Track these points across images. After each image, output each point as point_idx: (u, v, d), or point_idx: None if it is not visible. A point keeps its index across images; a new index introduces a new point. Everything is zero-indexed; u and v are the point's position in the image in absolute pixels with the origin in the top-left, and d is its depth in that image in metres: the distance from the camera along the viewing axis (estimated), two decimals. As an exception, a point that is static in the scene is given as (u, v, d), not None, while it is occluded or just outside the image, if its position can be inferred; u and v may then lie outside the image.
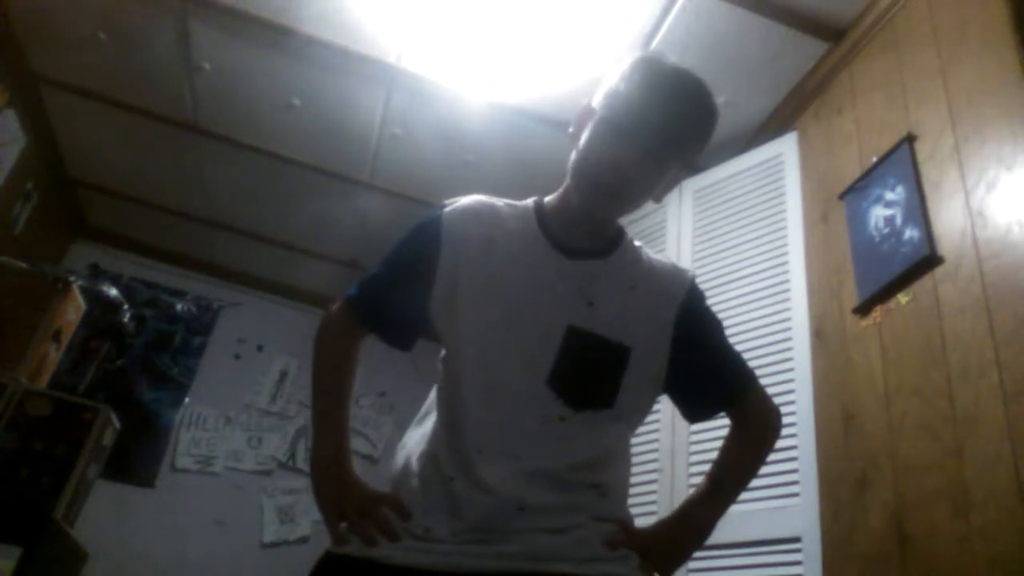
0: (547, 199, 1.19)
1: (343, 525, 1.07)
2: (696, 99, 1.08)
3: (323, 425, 1.17)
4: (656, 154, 1.05)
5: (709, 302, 1.23)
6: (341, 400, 1.19)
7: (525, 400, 1.05)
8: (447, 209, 1.16)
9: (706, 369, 1.17)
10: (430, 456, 1.07)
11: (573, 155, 1.12)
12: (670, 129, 1.06)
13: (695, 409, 1.22)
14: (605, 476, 1.07)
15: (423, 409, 1.18)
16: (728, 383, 1.19)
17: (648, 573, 1.06)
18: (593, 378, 1.08)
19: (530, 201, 1.19)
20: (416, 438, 1.13)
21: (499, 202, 1.19)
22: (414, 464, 1.08)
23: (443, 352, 1.15)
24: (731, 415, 1.21)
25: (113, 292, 3.03)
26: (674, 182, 1.15)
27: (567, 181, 1.14)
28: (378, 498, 1.07)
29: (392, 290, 1.18)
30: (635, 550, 1.04)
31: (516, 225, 1.14)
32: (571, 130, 1.14)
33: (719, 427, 2.30)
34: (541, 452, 1.04)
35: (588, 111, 1.13)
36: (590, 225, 1.14)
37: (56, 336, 2.57)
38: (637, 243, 1.20)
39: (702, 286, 2.62)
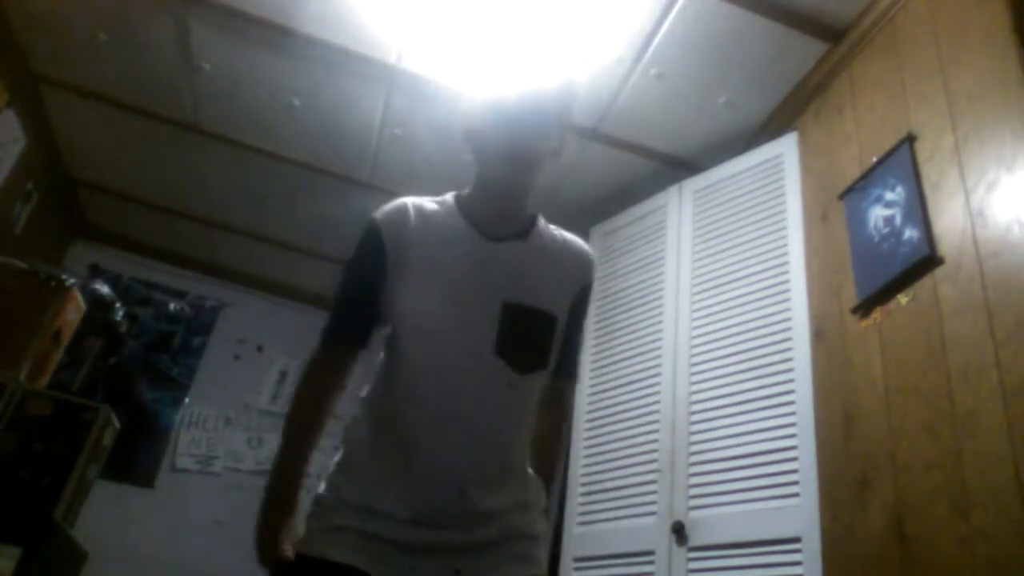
0: (463, 193, 1.34)
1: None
2: (536, 71, 1.35)
3: (281, 459, 1.26)
4: (538, 120, 1.27)
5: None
6: (310, 446, 1.29)
7: (477, 371, 1.20)
8: (379, 216, 1.29)
9: (568, 340, 1.34)
10: (380, 435, 1.22)
11: (476, 150, 1.30)
12: (529, 90, 1.30)
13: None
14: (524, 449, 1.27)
15: (368, 390, 1.29)
16: (569, 362, 1.38)
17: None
18: (532, 344, 1.25)
19: (449, 195, 1.34)
20: (364, 418, 1.27)
21: (422, 200, 1.33)
22: (364, 446, 1.24)
23: (388, 337, 1.27)
24: (550, 393, 1.35)
25: (105, 290, 3.03)
26: (563, 139, 1.34)
27: (478, 173, 1.31)
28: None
29: (359, 306, 1.28)
30: None
31: (443, 218, 1.29)
32: (463, 135, 1.33)
33: (719, 428, 2.30)
34: (489, 421, 1.20)
35: (468, 118, 1.34)
36: (507, 208, 1.31)
37: (56, 336, 2.57)
38: (549, 225, 1.36)
39: (702, 286, 2.62)
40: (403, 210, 1.29)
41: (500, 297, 1.22)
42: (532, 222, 1.33)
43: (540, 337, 1.25)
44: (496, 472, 1.20)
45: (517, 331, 1.22)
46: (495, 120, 1.28)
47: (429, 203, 1.32)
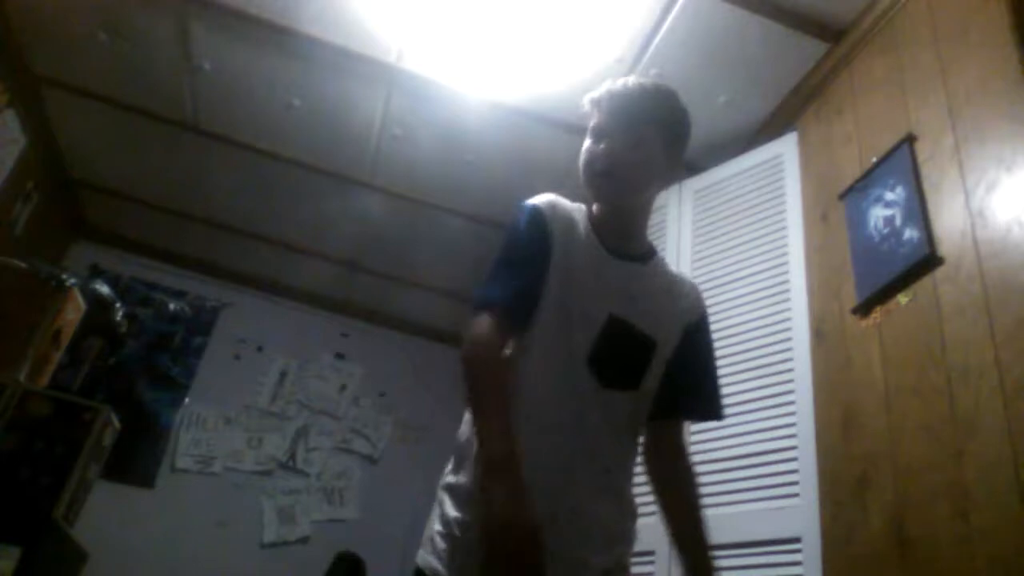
0: (593, 208, 1.36)
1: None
2: (640, 84, 1.33)
3: (493, 423, 1.11)
4: (621, 128, 1.28)
5: (709, 304, 1.40)
6: (506, 402, 1.14)
7: (566, 373, 1.22)
8: (539, 203, 1.32)
9: (695, 379, 1.34)
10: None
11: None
12: (622, 105, 1.29)
13: (668, 404, 1.33)
14: (618, 455, 1.28)
15: None
16: (708, 403, 1.36)
17: None
18: (624, 361, 1.26)
19: (582, 205, 1.36)
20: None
21: (564, 200, 1.36)
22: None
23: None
24: (671, 432, 1.36)
25: (105, 290, 3.03)
26: (672, 172, 1.35)
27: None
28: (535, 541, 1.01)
29: (532, 280, 1.26)
30: None
31: (580, 225, 1.32)
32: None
33: (719, 428, 2.30)
34: (573, 424, 1.20)
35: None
36: (624, 229, 1.33)
37: (56, 336, 2.57)
38: (665, 261, 1.41)
39: (702, 286, 2.62)
40: (556, 205, 1.32)
41: (609, 309, 1.25)
42: (652, 252, 1.37)
43: (635, 357, 1.27)
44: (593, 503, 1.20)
45: (614, 345, 1.24)
46: (586, 152, 1.32)
47: (570, 204, 1.35)
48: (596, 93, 1.35)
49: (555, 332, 1.24)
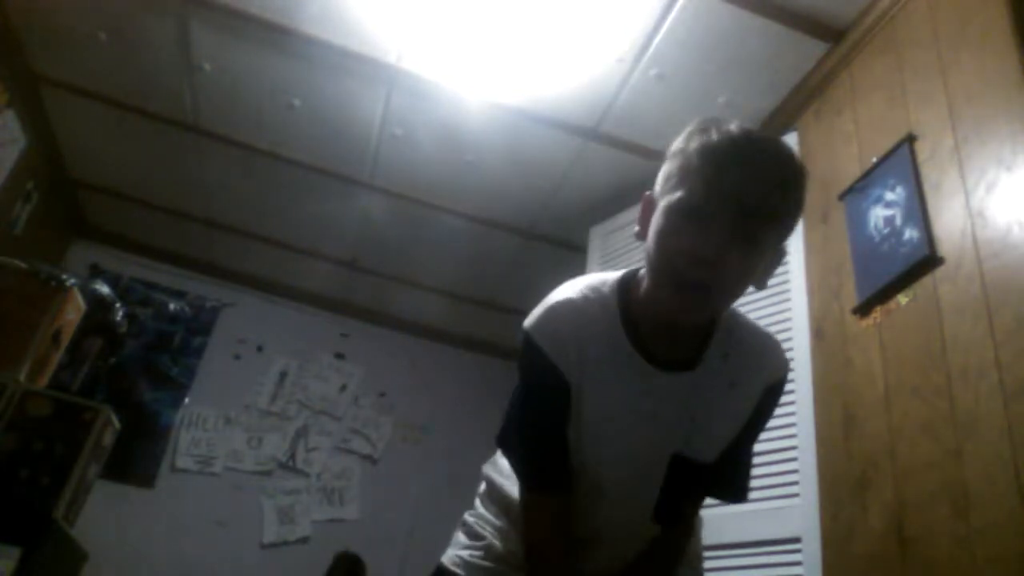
0: (634, 283, 1.05)
1: None
2: (772, 157, 0.96)
3: None
4: (741, 231, 0.91)
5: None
6: None
7: (629, 529, 1.10)
8: (540, 343, 1.02)
9: (727, 453, 1.09)
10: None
11: (647, 254, 0.98)
12: (750, 197, 0.91)
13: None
14: None
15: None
16: (727, 486, 1.17)
17: None
18: (687, 500, 1.12)
19: (614, 294, 1.04)
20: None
21: (579, 298, 1.04)
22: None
23: None
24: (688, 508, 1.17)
25: (105, 290, 3.03)
26: (778, 262, 1.02)
27: (647, 285, 1.00)
28: None
29: (560, 453, 1.06)
30: None
31: (607, 334, 1.02)
32: (636, 229, 1.03)
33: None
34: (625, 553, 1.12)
35: (648, 202, 1.01)
36: (680, 334, 1.03)
37: (56, 336, 2.57)
38: (730, 324, 1.09)
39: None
40: (559, 335, 1.02)
41: (671, 448, 1.03)
42: (708, 338, 1.05)
43: (699, 489, 1.11)
44: None
45: (679, 489, 1.05)
46: (683, 228, 0.92)
47: (588, 305, 1.03)
48: (700, 155, 0.94)
49: (609, 488, 1.06)
